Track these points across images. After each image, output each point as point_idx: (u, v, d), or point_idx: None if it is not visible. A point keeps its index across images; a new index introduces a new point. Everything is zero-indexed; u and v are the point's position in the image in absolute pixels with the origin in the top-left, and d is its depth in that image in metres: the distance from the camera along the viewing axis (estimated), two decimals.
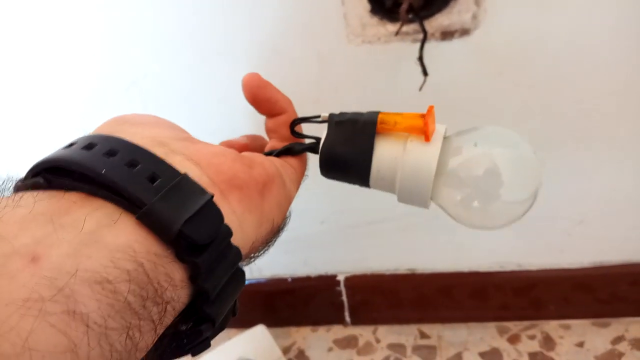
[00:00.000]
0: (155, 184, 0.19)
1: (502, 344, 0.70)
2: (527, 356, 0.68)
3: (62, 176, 0.19)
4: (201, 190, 0.21)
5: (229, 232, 0.21)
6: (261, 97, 0.30)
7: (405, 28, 0.51)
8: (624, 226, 0.63)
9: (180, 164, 0.21)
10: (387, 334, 0.75)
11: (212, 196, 0.21)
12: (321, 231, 0.70)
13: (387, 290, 0.74)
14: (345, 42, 0.54)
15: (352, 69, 0.56)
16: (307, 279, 0.75)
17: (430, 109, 0.27)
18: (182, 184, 0.20)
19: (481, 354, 0.70)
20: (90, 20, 0.57)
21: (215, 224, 0.21)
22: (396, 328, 0.76)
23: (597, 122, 0.56)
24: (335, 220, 0.69)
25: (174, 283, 0.19)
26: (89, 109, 0.62)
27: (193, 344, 0.21)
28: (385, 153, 0.28)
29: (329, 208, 0.68)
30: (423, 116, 0.27)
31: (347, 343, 0.75)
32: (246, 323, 0.76)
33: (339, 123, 0.29)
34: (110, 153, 0.20)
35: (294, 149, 0.30)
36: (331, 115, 0.29)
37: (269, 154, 0.30)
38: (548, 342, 0.69)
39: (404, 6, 0.48)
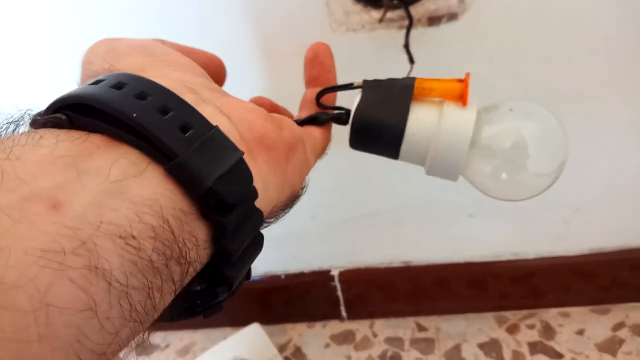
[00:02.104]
0: (187, 134, 0.18)
1: (501, 334, 0.69)
2: (527, 346, 0.67)
3: (85, 115, 0.17)
4: (233, 147, 0.19)
5: (255, 194, 0.20)
6: (319, 60, 0.31)
7: (390, 14, 0.49)
8: (622, 212, 0.62)
9: (211, 116, 0.20)
10: (384, 327, 0.74)
11: (243, 154, 0.20)
12: (312, 226, 0.68)
13: (383, 284, 0.73)
14: (328, 30, 0.52)
15: (336, 58, 0.53)
16: (301, 274, 0.73)
17: (467, 75, 0.27)
18: (214, 138, 0.19)
19: (480, 345, 0.68)
20: (84, 15, 0.55)
21: (245, 183, 0.20)
22: (393, 321, 0.74)
23: (593, 108, 0.54)
24: (326, 215, 0.67)
25: (197, 243, 0.18)
26: None
27: (206, 306, 0.20)
28: (421, 117, 0.27)
29: (318, 203, 0.66)
30: (461, 81, 0.27)
31: (344, 338, 0.74)
32: (240, 321, 0.75)
33: (373, 88, 0.28)
34: (141, 96, 0.18)
35: (320, 118, 0.29)
36: (365, 81, 0.29)
37: (296, 121, 0.28)
38: (548, 330, 0.68)
39: None
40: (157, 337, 0.79)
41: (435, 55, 0.52)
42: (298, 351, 0.73)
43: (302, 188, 0.27)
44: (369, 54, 0.53)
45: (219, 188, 0.18)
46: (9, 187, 0.14)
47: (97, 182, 0.15)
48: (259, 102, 0.30)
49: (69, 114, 0.18)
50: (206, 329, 0.80)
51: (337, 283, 0.73)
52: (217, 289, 0.19)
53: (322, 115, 0.29)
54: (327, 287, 0.73)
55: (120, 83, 0.18)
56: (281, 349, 0.74)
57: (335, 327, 0.76)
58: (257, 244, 0.21)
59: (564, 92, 0.54)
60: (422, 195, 0.64)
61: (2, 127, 0.18)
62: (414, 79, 0.28)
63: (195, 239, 0.18)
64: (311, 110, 0.30)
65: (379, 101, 0.28)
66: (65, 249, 0.14)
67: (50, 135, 0.17)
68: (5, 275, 0.13)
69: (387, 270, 0.71)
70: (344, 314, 0.76)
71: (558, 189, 0.62)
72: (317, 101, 0.30)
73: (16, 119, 0.18)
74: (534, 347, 0.66)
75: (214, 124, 0.19)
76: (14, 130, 0.18)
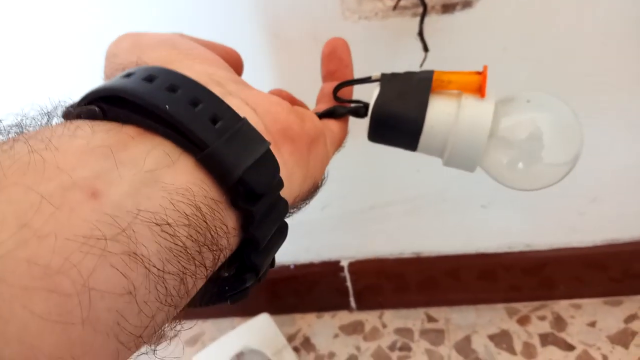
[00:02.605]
0: (217, 125, 0.18)
1: (512, 325, 0.69)
2: (538, 337, 0.66)
3: (118, 107, 0.18)
4: (261, 138, 0.20)
5: (281, 184, 0.21)
6: (337, 54, 0.31)
7: (403, 2, 0.48)
8: (638, 203, 0.61)
9: (238, 108, 0.21)
10: (394, 318, 0.74)
11: (270, 144, 0.20)
12: (322, 217, 0.68)
13: (393, 275, 0.72)
14: (340, 18, 0.51)
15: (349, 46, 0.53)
16: (311, 265, 0.73)
17: (485, 68, 0.27)
18: (243, 129, 0.19)
19: (490, 337, 0.68)
20: (82, 11, 0.54)
21: (273, 174, 0.20)
22: (403, 312, 0.74)
23: (608, 96, 0.53)
24: (337, 206, 0.67)
25: (227, 230, 0.18)
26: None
27: (234, 292, 0.21)
28: (440, 109, 0.28)
29: (329, 193, 0.65)
30: (479, 74, 0.27)
31: (353, 329, 0.74)
32: (250, 311, 0.75)
33: (391, 81, 0.29)
34: (172, 88, 0.19)
35: (338, 111, 0.30)
36: (383, 75, 0.29)
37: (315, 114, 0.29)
38: (559, 322, 0.68)
39: None
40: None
41: (449, 43, 0.51)
42: (307, 341, 0.73)
43: (323, 179, 0.27)
44: (381, 42, 0.52)
45: (248, 178, 0.18)
46: (49, 176, 0.14)
47: (132, 172, 0.16)
48: (278, 94, 0.30)
49: (102, 106, 0.18)
50: (215, 319, 0.80)
51: (346, 274, 0.73)
52: (245, 276, 0.20)
53: (339, 109, 0.30)
54: (337, 277, 0.73)
55: (151, 76, 0.19)
56: (290, 339, 0.74)
57: (344, 317, 0.76)
58: (282, 232, 0.22)
59: (579, 79, 0.53)
60: (434, 186, 0.64)
61: (36, 119, 0.18)
62: (432, 71, 0.28)
63: (226, 227, 0.18)
64: (329, 103, 0.31)
65: (398, 94, 0.28)
66: (106, 236, 0.14)
67: (85, 126, 0.17)
68: (51, 260, 0.13)
69: (397, 261, 0.71)
70: (353, 304, 0.76)
71: (574, 179, 0.61)
72: (334, 95, 0.30)
73: (49, 111, 0.19)
74: (545, 339, 0.66)
75: (242, 114, 0.20)
76: (47, 121, 0.18)
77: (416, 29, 0.49)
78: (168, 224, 0.16)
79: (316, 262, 0.73)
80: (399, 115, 0.28)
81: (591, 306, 0.68)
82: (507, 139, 0.28)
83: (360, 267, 0.72)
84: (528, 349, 0.65)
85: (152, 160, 0.17)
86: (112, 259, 0.14)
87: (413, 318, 0.73)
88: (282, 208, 0.21)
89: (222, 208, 0.18)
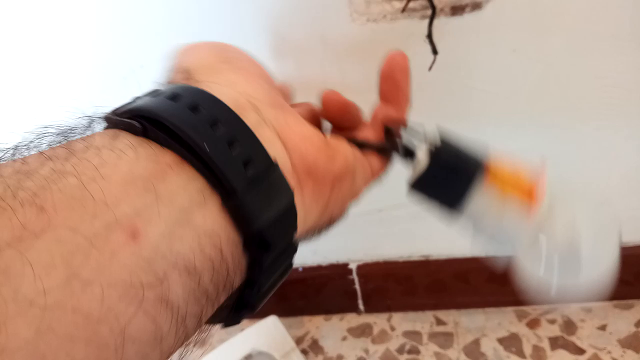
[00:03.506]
0: (248, 170, 0.19)
1: (521, 329, 0.68)
2: (548, 341, 0.66)
3: (158, 128, 0.18)
4: (286, 187, 0.20)
5: (295, 231, 0.21)
6: (394, 77, 0.29)
7: (412, 4, 0.48)
8: None
9: (270, 143, 0.21)
10: (402, 321, 0.73)
11: (293, 195, 0.21)
12: None
13: (401, 277, 0.72)
14: (349, 21, 0.51)
15: (357, 49, 0.53)
16: (319, 268, 0.73)
17: (543, 176, 0.26)
18: (272, 176, 0.20)
19: (500, 340, 0.68)
20: (86, 9, 0.55)
21: (290, 228, 0.21)
22: (411, 315, 0.74)
23: (618, 98, 0.53)
24: None
25: (241, 272, 0.19)
26: (84, 98, 0.60)
27: (228, 320, 0.21)
28: (481, 204, 0.27)
29: None
30: (533, 189, 0.26)
31: (362, 331, 0.74)
32: (258, 314, 0.75)
33: (440, 154, 0.27)
34: (213, 122, 0.19)
35: (384, 151, 0.29)
36: (432, 145, 0.27)
37: (355, 142, 0.28)
38: (569, 326, 0.67)
39: None
40: None
41: (457, 45, 0.51)
42: (315, 344, 0.73)
43: (342, 214, 0.27)
44: (390, 44, 0.52)
45: (267, 232, 0.19)
46: (95, 212, 0.15)
47: (169, 210, 0.17)
48: (310, 115, 0.30)
49: (145, 124, 0.18)
50: None
51: (355, 276, 0.73)
52: (241, 312, 0.21)
53: (387, 149, 0.29)
54: (345, 280, 0.73)
55: (196, 106, 0.19)
56: (298, 341, 0.74)
57: (352, 320, 0.76)
58: (285, 272, 0.22)
59: (589, 81, 0.52)
60: None
61: (78, 126, 0.19)
62: (485, 159, 0.27)
63: (241, 270, 0.19)
64: (379, 131, 0.30)
65: (442, 176, 0.27)
66: (143, 283, 0.15)
67: (129, 150, 0.17)
68: (94, 309, 0.14)
69: (406, 264, 0.71)
70: (361, 307, 0.76)
71: (582, 181, 0.61)
72: (385, 133, 0.29)
73: (90, 115, 0.20)
74: (555, 342, 0.66)
75: (272, 153, 0.20)
76: (89, 123, 0.20)
77: (425, 32, 0.49)
78: (195, 268, 0.17)
79: (324, 265, 0.73)
80: (437, 198, 0.28)
81: (602, 310, 0.68)
82: (543, 246, 0.27)
83: (369, 270, 0.72)
84: (538, 353, 0.65)
85: (187, 196, 0.17)
86: (147, 305, 0.15)
87: (422, 321, 0.73)
88: (291, 252, 0.21)
89: (239, 252, 0.19)
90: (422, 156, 0.27)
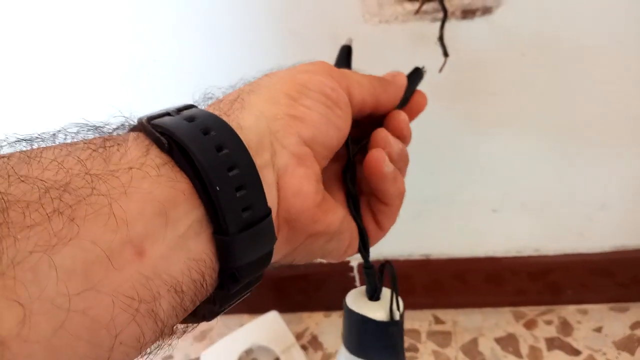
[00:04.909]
0: (245, 215, 0.20)
1: (518, 329, 0.69)
2: (544, 341, 0.67)
3: (182, 152, 0.20)
4: (272, 235, 0.22)
5: (265, 268, 0.23)
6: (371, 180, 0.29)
7: (424, 6, 0.49)
8: None
9: (269, 188, 0.22)
10: None
11: (275, 242, 0.22)
12: None
13: (401, 276, 0.72)
14: (361, 21, 0.52)
15: (368, 49, 0.53)
16: (320, 264, 0.74)
17: None
18: (263, 227, 0.21)
19: (497, 340, 0.69)
20: (98, 2, 0.55)
21: (263, 267, 0.22)
22: (410, 314, 0.75)
23: (621, 104, 0.54)
24: None
25: (210, 291, 0.21)
26: (96, 93, 0.60)
27: (185, 320, 0.23)
28: None
29: None
30: None
31: None
32: (258, 309, 0.75)
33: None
34: (231, 167, 0.20)
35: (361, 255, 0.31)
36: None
37: (354, 208, 0.29)
38: (565, 327, 0.68)
39: None
40: None
41: (467, 48, 0.52)
42: (314, 340, 0.74)
43: (305, 262, 0.28)
44: (400, 45, 0.53)
45: (243, 271, 0.21)
46: (115, 228, 0.17)
47: (172, 235, 0.19)
48: (388, 81, 0.31)
49: (172, 144, 0.20)
50: (223, 316, 0.80)
51: (355, 274, 0.73)
52: (192, 319, 0.23)
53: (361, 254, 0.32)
54: (346, 277, 0.74)
55: (221, 146, 0.21)
56: (298, 337, 0.74)
57: None
58: (245, 294, 0.24)
59: (593, 87, 0.54)
60: (445, 189, 0.64)
61: (111, 120, 0.21)
62: None
63: (212, 290, 0.21)
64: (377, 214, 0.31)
65: None
66: (141, 298, 0.17)
67: (152, 169, 0.19)
68: (99, 316, 0.16)
69: (406, 262, 0.71)
70: None
71: (584, 185, 0.62)
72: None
73: (125, 116, 0.22)
74: (551, 343, 0.67)
75: (269, 202, 0.22)
76: (122, 124, 0.22)
77: (435, 34, 0.50)
78: (182, 291, 0.19)
79: (325, 262, 0.74)
80: None
81: (597, 312, 0.69)
82: None
83: None
84: (534, 353, 0.66)
85: (188, 224, 0.19)
86: (139, 317, 0.17)
87: (420, 320, 0.74)
88: (255, 282, 0.23)
89: (215, 277, 0.21)
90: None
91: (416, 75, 0.33)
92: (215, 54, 0.56)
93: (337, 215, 0.26)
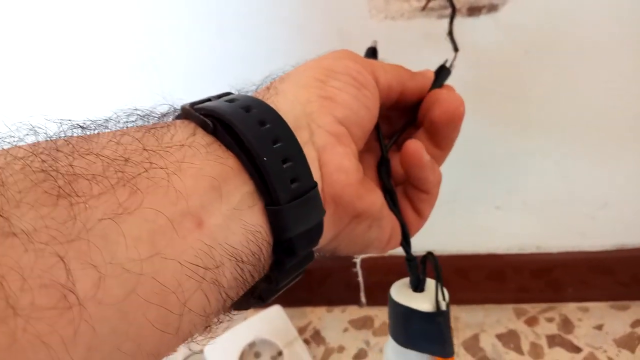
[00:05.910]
0: (293, 186, 0.21)
1: (519, 326, 0.70)
2: (545, 338, 0.68)
3: (226, 130, 0.21)
4: (320, 207, 0.23)
5: (316, 244, 0.23)
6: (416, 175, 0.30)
7: (431, 3, 0.49)
8: None
9: (312, 163, 0.23)
10: None
11: (324, 214, 0.23)
12: None
13: (404, 272, 0.73)
14: (367, 17, 0.53)
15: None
16: (323, 259, 0.74)
17: None
18: (311, 197, 0.22)
19: (498, 336, 0.69)
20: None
21: (315, 241, 0.23)
22: None
23: (622, 102, 0.55)
24: None
25: (266, 267, 0.22)
26: (102, 87, 0.61)
27: (238, 306, 0.23)
28: None
29: None
30: None
31: (363, 324, 0.75)
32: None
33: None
34: (275, 140, 0.21)
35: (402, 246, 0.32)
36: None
37: (392, 202, 0.30)
38: (566, 324, 0.69)
39: None
40: None
41: (471, 45, 0.52)
42: (317, 334, 0.74)
43: (345, 253, 0.29)
44: (406, 42, 0.53)
45: (296, 242, 0.22)
46: (173, 200, 0.18)
47: (227, 207, 0.19)
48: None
49: (216, 125, 0.21)
50: None
51: (358, 269, 0.74)
52: (249, 301, 0.23)
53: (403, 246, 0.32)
54: (349, 272, 0.74)
55: (264, 121, 0.21)
56: (300, 331, 0.75)
57: (354, 312, 0.77)
58: (298, 275, 0.25)
59: (596, 84, 0.54)
60: (448, 186, 0.64)
61: (158, 108, 0.22)
62: None
63: (267, 267, 0.22)
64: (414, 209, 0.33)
65: None
66: (205, 265, 0.18)
67: (202, 147, 0.20)
68: (166, 281, 0.17)
69: None
70: (363, 300, 0.77)
71: (586, 184, 0.62)
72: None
73: (170, 104, 0.23)
74: (552, 340, 0.67)
75: (314, 175, 0.23)
76: (167, 111, 0.23)
77: (441, 31, 0.50)
78: (242, 260, 0.19)
79: (329, 257, 0.74)
80: None
81: (598, 310, 0.70)
82: None
83: (372, 264, 0.73)
84: (535, 350, 0.67)
85: (240, 197, 0.20)
86: (204, 285, 0.18)
87: None
88: (308, 260, 0.24)
89: (270, 252, 0.21)
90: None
91: (443, 72, 0.33)
92: (222, 49, 0.57)
93: (378, 196, 0.27)
